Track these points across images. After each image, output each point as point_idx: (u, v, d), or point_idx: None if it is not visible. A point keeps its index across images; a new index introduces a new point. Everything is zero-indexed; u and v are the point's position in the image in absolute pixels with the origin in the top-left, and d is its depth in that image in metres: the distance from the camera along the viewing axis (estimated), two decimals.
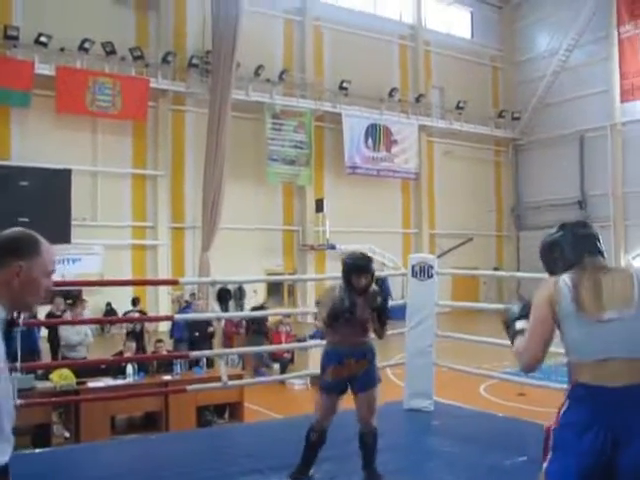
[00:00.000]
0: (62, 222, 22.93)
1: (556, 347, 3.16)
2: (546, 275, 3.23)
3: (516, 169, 36.94)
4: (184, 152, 26.80)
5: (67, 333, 10.32)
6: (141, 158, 25.92)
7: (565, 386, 6.72)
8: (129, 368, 8.55)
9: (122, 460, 5.97)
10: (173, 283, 20.35)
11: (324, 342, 5.27)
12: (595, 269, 2.96)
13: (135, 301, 14.96)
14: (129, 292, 24.11)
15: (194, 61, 26.20)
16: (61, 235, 22.82)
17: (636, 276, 2.89)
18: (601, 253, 3.07)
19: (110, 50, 24.20)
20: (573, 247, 3.08)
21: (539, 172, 35.19)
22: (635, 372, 2.72)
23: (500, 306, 9.62)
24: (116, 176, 25.22)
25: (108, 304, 23.27)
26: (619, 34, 31.99)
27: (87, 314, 13.00)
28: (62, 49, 23.58)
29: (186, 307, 13.34)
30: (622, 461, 2.67)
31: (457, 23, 36.04)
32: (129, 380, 8.47)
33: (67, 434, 8.37)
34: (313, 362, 11.36)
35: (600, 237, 3.14)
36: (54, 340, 11.48)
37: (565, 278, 2.93)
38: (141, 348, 11.23)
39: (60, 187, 23.04)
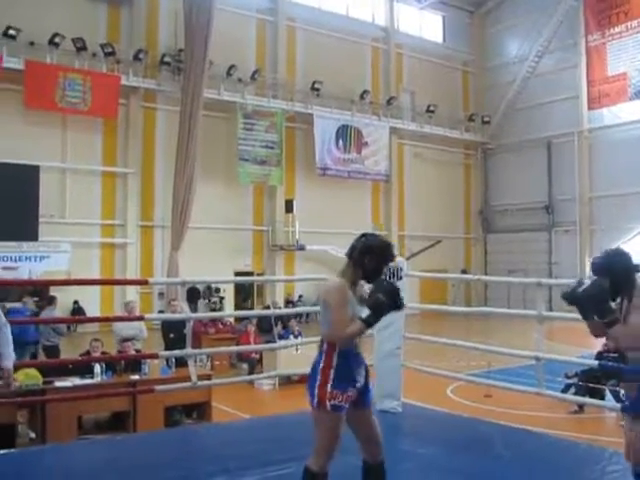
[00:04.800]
0: (29, 219, 22.68)
1: (521, 350, 3.28)
2: (510, 279, 3.50)
3: (485, 173, 37.30)
4: (155, 150, 26.65)
5: (120, 327, 10.74)
6: (111, 155, 25.72)
7: (529, 388, 6.82)
8: (97, 367, 8.49)
9: (89, 461, 5.93)
10: (142, 283, 20.22)
11: (294, 341, 5.12)
12: None
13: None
14: (97, 290, 24.10)
15: (166, 59, 26.09)
16: (28, 232, 22.62)
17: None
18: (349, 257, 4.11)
19: (81, 46, 23.96)
20: None
21: (507, 176, 35.59)
22: None
23: (467, 309, 9.71)
24: (85, 173, 25.00)
25: (75, 302, 23.08)
26: (587, 42, 32.52)
27: (56, 312, 12.89)
28: (32, 43, 23.33)
29: None
30: None
31: (429, 27, 36.28)
32: (97, 380, 8.41)
33: (33, 435, 8.26)
34: (281, 363, 11.41)
35: (356, 245, 4.09)
36: None
37: None
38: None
39: (28, 183, 22.69)
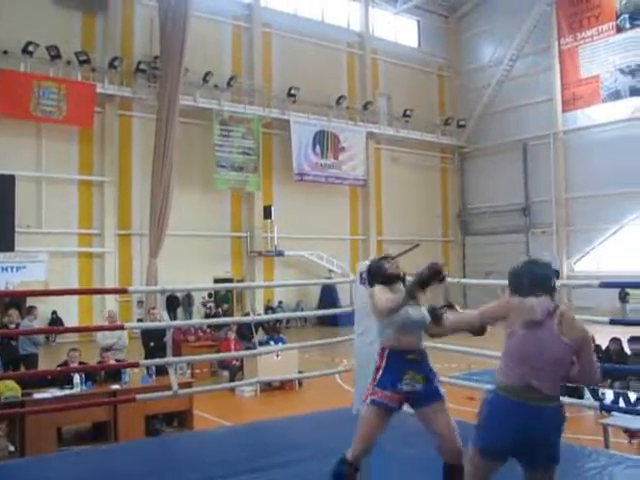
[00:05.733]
0: (6, 229, 22.46)
1: (500, 352, 3.40)
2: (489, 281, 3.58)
3: (462, 176, 37.53)
4: (131, 158, 26.52)
5: (100, 336, 10.94)
6: (87, 164, 25.55)
7: None
8: (76, 378, 8.44)
9: (70, 473, 5.88)
10: (122, 292, 20.11)
11: (274, 348, 5.33)
12: None
13: None
14: (75, 300, 23.90)
15: (142, 66, 26.00)
16: (5, 242, 22.40)
17: None
18: None
19: (55, 54, 23.82)
20: None
21: (484, 179, 35.84)
22: None
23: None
24: (62, 182, 24.83)
25: (54, 312, 22.89)
26: (559, 46, 32.88)
27: (35, 323, 12.77)
28: (5, 52, 23.17)
29: None
30: None
31: (404, 32, 36.48)
32: (76, 390, 8.36)
33: (12, 447, 8.18)
34: (262, 369, 11.40)
35: None
36: (6, 352, 11.26)
37: None
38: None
39: (3, 193, 22.50)
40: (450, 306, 4.31)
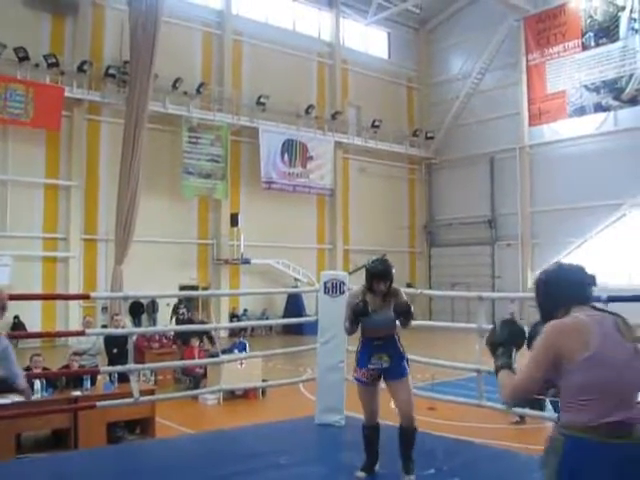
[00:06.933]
0: None
1: (463, 363, 3.40)
2: (453, 293, 3.41)
3: (429, 187, 37.81)
4: (98, 163, 26.29)
5: (75, 341, 10.94)
6: (54, 168, 25.27)
7: (470, 400, 6.91)
8: (37, 384, 8.33)
9: None
10: (84, 297, 19.92)
11: (238, 356, 5.51)
12: None
13: None
14: (38, 305, 23.61)
15: (111, 71, 25.80)
16: None
17: None
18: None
19: (23, 56, 23.54)
20: None
21: (451, 190, 36.16)
22: None
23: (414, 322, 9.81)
24: (27, 185, 24.51)
25: (16, 317, 22.56)
26: (527, 61, 33.32)
27: None
28: None
29: None
30: None
31: (375, 43, 36.72)
32: (37, 396, 8.25)
33: None
34: (226, 377, 11.36)
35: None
36: None
37: None
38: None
39: None
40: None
